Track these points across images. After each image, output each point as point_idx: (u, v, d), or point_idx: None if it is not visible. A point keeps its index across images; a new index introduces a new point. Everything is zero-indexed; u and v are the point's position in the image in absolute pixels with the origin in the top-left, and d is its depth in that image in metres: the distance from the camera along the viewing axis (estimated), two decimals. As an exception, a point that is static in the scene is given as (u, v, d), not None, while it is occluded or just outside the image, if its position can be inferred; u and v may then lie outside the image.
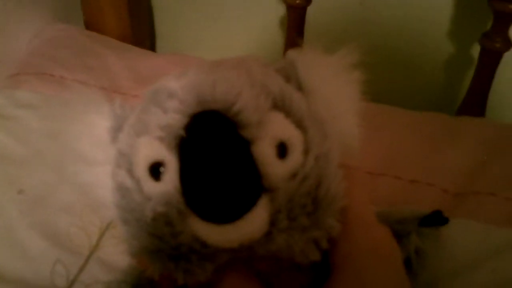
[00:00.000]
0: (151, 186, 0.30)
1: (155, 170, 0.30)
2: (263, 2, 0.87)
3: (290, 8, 0.78)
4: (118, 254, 0.54)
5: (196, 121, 0.29)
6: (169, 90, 0.31)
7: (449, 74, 0.82)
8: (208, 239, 0.29)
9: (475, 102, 0.73)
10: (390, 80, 0.80)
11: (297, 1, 0.76)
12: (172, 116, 0.29)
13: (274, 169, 0.29)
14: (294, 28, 0.79)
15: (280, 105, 0.31)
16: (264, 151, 0.29)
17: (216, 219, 0.29)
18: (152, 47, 1.01)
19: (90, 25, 0.88)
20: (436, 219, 0.42)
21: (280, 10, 0.86)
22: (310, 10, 0.78)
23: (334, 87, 0.34)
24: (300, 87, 0.33)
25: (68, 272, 0.54)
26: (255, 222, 0.29)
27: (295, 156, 0.30)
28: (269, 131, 0.29)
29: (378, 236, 0.34)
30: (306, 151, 0.31)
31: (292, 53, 0.34)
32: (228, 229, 0.29)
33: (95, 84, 0.72)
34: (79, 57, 0.77)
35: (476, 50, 0.76)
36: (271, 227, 0.30)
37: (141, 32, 0.92)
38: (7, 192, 0.60)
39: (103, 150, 0.36)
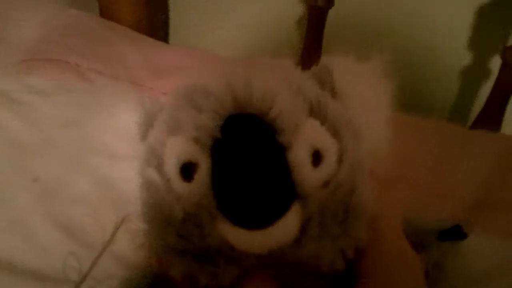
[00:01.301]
0: (181, 186, 0.30)
1: (187, 170, 0.29)
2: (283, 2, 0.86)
3: (311, 8, 0.77)
4: (132, 250, 0.54)
5: (232, 123, 0.28)
6: (205, 90, 0.30)
7: (464, 85, 0.82)
8: (236, 244, 0.29)
9: (491, 116, 0.73)
10: (405, 87, 0.80)
11: (319, 3, 0.75)
12: (207, 117, 0.29)
13: (308, 176, 0.29)
14: (314, 29, 0.79)
15: (316, 112, 0.31)
16: (299, 158, 0.28)
17: (246, 224, 0.28)
18: (165, 37, 1.00)
19: (104, 12, 0.87)
20: (455, 233, 0.42)
21: (299, 9, 0.86)
22: (331, 12, 0.78)
23: (367, 95, 0.34)
24: (334, 94, 0.33)
25: (80, 265, 0.53)
26: (286, 229, 0.29)
27: (329, 164, 0.30)
28: (305, 138, 0.29)
29: (405, 247, 0.34)
30: (340, 159, 0.30)
31: (326, 59, 0.34)
32: (258, 235, 0.28)
33: (111, 73, 0.71)
34: (94, 45, 0.76)
35: (494, 63, 0.76)
36: (301, 235, 0.29)
37: (155, 22, 0.91)
38: (21, 179, 0.58)
39: (131, 145, 0.36)
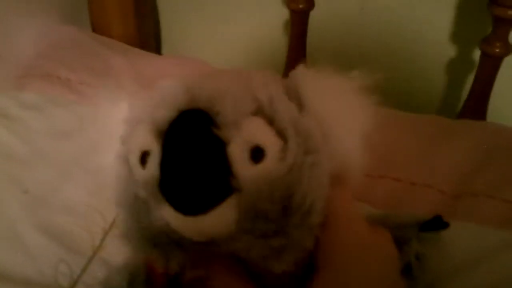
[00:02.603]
0: (139, 173, 0.33)
1: (143, 158, 0.32)
2: (267, 6, 0.88)
3: (293, 12, 0.79)
4: (121, 255, 0.55)
5: (180, 116, 0.31)
6: (167, 88, 0.34)
7: (450, 78, 0.82)
8: (177, 229, 0.31)
9: (476, 106, 0.73)
10: (390, 83, 0.80)
11: (300, 6, 0.77)
12: (162, 110, 0.32)
13: (244, 170, 0.31)
14: (297, 32, 0.80)
15: (264, 112, 0.32)
16: (236, 153, 0.30)
17: (182, 209, 0.30)
18: (157, 49, 1.02)
19: (96, 27, 0.89)
20: (436, 224, 0.42)
21: (284, 14, 0.87)
22: (313, 14, 0.79)
23: (335, 108, 0.35)
24: (300, 105, 0.34)
25: (71, 271, 0.54)
26: (219, 219, 0.31)
27: (269, 162, 0.31)
28: (244, 134, 0.31)
29: (361, 229, 0.35)
30: (282, 160, 0.32)
31: (297, 71, 0.36)
32: (192, 221, 0.30)
33: (101, 86, 0.73)
34: (85, 59, 0.78)
35: (476, 55, 0.77)
36: (237, 227, 0.31)
37: (146, 34, 0.93)
38: (12, 191, 0.60)
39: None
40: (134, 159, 0.33)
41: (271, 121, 0.32)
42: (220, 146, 0.30)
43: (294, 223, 0.32)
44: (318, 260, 0.34)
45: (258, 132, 0.32)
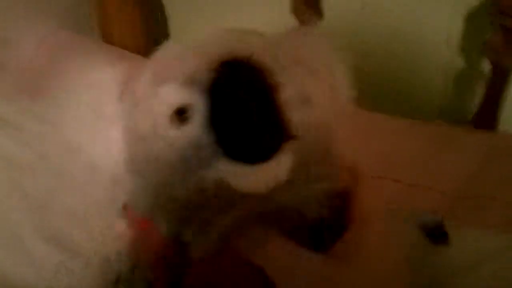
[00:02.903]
0: (175, 132, 0.31)
1: (181, 115, 0.31)
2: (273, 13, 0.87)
3: (301, 23, 0.78)
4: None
5: (225, 67, 0.30)
6: (203, 42, 0.33)
7: (458, 87, 0.81)
8: (235, 181, 0.31)
9: (487, 117, 0.72)
10: (390, 87, 0.80)
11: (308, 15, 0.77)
12: (201, 63, 0.31)
13: (296, 114, 0.31)
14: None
15: (301, 61, 0.33)
16: (288, 97, 0.31)
17: (246, 159, 0.30)
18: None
19: (103, 33, 0.88)
20: (438, 234, 0.47)
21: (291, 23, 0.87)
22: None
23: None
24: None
25: (71, 275, 0.54)
26: (280, 166, 0.31)
27: (316, 105, 0.32)
28: (292, 79, 0.31)
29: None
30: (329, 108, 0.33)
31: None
32: (255, 170, 0.30)
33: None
34: (85, 66, 0.77)
35: (486, 64, 0.76)
36: (293, 175, 0.31)
37: (153, 41, 0.92)
38: (12, 196, 0.60)
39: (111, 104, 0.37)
40: (164, 120, 0.31)
41: (310, 72, 0.33)
42: (271, 93, 0.30)
43: (332, 164, 0.34)
44: (348, 215, 0.35)
45: (304, 78, 0.32)
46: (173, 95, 0.31)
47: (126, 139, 0.34)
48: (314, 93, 0.32)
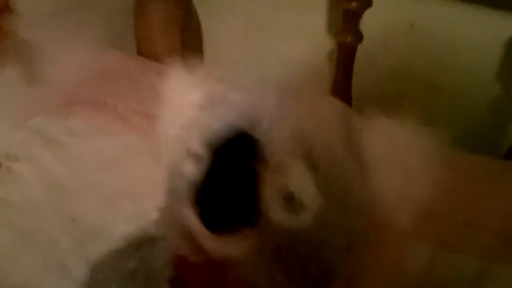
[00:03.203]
0: (186, 168, 0.34)
1: (192, 159, 0.34)
2: (314, 36, 0.88)
3: (341, 45, 0.78)
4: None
5: (233, 140, 0.33)
6: (229, 100, 0.36)
7: (497, 117, 0.81)
8: (194, 230, 0.34)
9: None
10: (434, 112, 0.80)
11: (348, 39, 0.77)
12: (219, 125, 0.34)
13: (273, 213, 0.32)
14: (343, 65, 0.79)
15: (311, 160, 0.33)
16: (268, 194, 0.32)
17: (207, 222, 0.33)
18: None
19: (142, 52, 0.90)
20: None
21: (329, 45, 0.87)
22: (360, 47, 0.78)
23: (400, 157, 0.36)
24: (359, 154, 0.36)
25: None
26: (233, 245, 0.33)
27: (303, 216, 0.33)
28: (286, 179, 0.32)
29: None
30: (319, 217, 0.33)
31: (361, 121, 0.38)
32: (211, 236, 0.33)
33: (146, 112, 0.73)
34: (132, 85, 0.78)
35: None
36: (247, 256, 0.33)
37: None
38: (61, 220, 0.60)
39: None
40: (182, 158, 0.35)
41: (315, 168, 0.33)
42: (258, 183, 0.32)
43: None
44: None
45: (299, 183, 0.33)
46: (196, 139, 0.34)
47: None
48: (306, 200, 0.33)
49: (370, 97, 0.41)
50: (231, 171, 0.33)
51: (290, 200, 0.32)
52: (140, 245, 0.51)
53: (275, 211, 0.32)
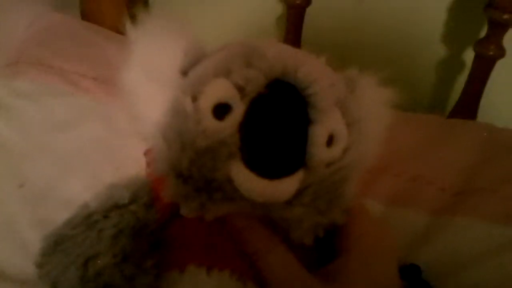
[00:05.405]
0: (211, 121, 0.33)
1: (221, 110, 0.33)
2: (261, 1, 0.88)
3: (290, 7, 0.79)
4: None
5: (276, 86, 0.33)
6: (261, 52, 0.34)
7: (441, 77, 0.84)
8: (241, 186, 0.33)
9: (467, 107, 0.75)
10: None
11: (297, 2, 0.77)
12: (257, 73, 0.33)
13: (320, 152, 0.33)
14: (293, 28, 0.80)
15: (340, 105, 0.35)
16: (319, 135, 0.33)
17: (260, 171, 0.33)
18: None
19: (87, 15, 0.87)
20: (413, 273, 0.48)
21: (278, 9, 0.87)
22: (309, 10, 0.79)
23: (375, 111, 0.40)
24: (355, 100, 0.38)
25: None
26: (288, 187, 0.33)
27: (337, 150, 0.35)
28: (329, 121, 0.34)
29: (383, 230, 0.40)
30: (345, 150, 0.35)
31: (352, 73, 0.40)
32: (265, 183, 0.33)
33: (95, 76, 0.71)
34: (77, 48, 0.76)
35: (468, 56, 0.78)
36: (293, 198, 0.34)
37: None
38: (8, 185, 0.59)
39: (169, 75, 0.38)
40: (207, 107, 0.33)
41: (343, 114, 0.35)
42: (305, 124, 0.33)
43: (337, 205, 0.36)
44: (340, 244, 0.38)
45: (338, 123, 0.35)
46: (221, 90, 0.33)
47: (170, 107, 0.36)
48: (341, 139, 0.35)
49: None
50: (279, 120, 0.33)
51: (331, 140, 0.34)
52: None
53: (322, 150, 0.33)
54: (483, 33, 0.71)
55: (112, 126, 0.64)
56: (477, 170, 0.59)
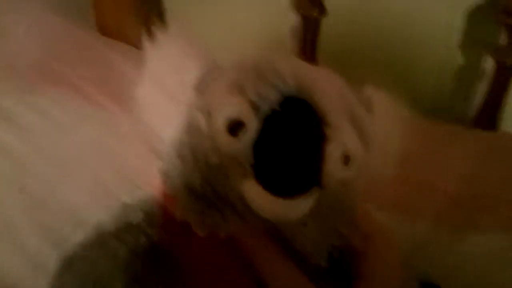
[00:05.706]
0: (224, 139, 0.33)
1: (235, 127, 0.33)
2: (276, 11, 0.86)
3: (305, 18, 0.78)
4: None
5: (290, 103, 0.33)
6: (274, 69, 0.34)
7: (459, 85, 0.82)
8: (254, 203, 0.33)
9: (488, 116, 0.73)
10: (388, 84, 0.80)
11: (314, 14, 0.77)
12: (272, 90, 0.33)
13: (334, 170, 0.33)
14: (309, 38, 0.80)
15: (356, 122, 0.35)
16: (334, 152, 0.33)
17: (273, 189, 0.32)
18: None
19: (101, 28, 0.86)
20: None
21: (292, 20, 0.86)
22: (324, 20, 0.79)
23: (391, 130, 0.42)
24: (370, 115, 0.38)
25: None
26: (301, 206, 0.33)
27: (352, 168, 0.34)
28: (343, 138, 0.34)
29: (392, 243, 0.40)
30: (360, 168, 0.35)
31: (368, 90, 0.40)
32: (277, 202, 0.32)
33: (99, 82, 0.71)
34: (78, 51, 0.76)
35: (488, 62, 0.76)
36: (307, 217, 0.34)
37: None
38: (8, 189, 0.59)
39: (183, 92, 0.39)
40: (221, 124, 0.33)
41: (358, 131, 0.35)
42: (320, 141, 0.33)
43: (350, 223, 0.37)
44: (358, 269, 0.37)
45: (353, 141, 0.34)
46: (238, 107, 0.33)
47: (184, 123, 0.36)
48: (356, 156, 0.34)
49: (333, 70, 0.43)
50: (292, 136, 0.33)
51: (346, 156, 0.34)
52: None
53: (336, 168, 0.33)
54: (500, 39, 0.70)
55: (112, 130, 0.64)
56: (479, 175, 0.59)
